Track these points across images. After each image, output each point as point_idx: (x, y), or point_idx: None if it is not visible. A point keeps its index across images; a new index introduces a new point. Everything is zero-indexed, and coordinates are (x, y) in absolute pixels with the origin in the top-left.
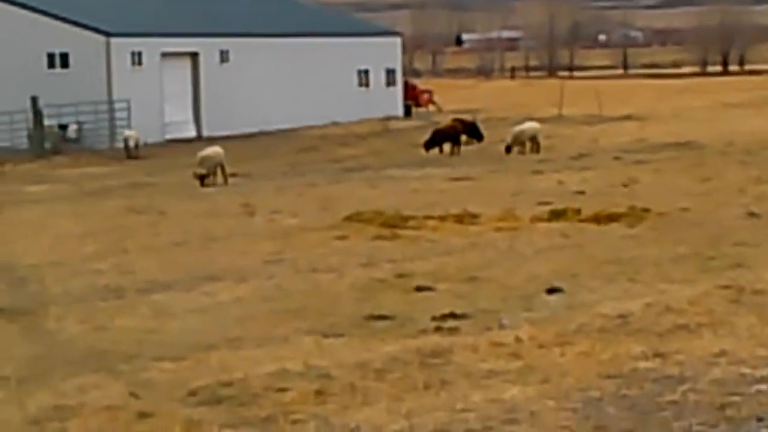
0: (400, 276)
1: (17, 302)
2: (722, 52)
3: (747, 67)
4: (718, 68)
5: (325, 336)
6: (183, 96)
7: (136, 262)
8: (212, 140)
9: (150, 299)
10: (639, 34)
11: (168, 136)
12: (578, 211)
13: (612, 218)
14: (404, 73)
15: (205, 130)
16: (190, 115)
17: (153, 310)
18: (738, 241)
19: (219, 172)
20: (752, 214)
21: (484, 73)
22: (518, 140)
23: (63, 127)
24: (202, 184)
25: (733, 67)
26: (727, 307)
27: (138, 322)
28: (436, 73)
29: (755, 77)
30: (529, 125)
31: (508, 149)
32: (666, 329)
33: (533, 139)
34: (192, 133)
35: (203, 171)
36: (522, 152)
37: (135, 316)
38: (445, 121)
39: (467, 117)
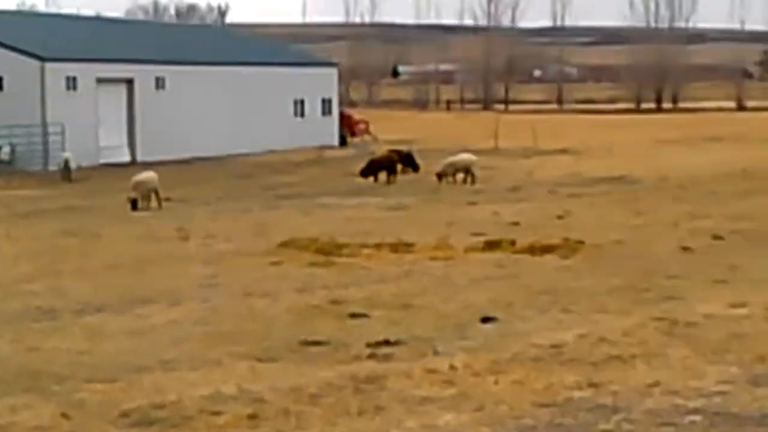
0: (335, 302)
1: None
2: (656, 90)
3: (680, 105)
4: (652, 105)
5: (259, 360)
6: (118, 121)
7: (70, 285)
8: (147, 165)
9: (83, 321)
10: (574, 70)
11: (102, 161)
12: (513, 242)
13: (546, 249)
14: (340, 103)
15: (140, 154)
16: (125, 139)
17: (86, 332)
18: (671, 274)
19: (153, 196)
20: (685, 248)
21: (419, 104)
22: (449, 171)
23: None
24: (134, 209)
25: (666, 105)
26: (661, 338)
27: (71, 343)
28: (372, 103)
29: (688, 115)
30: (463, 157)
31: (439, 177)
32: (600, 359)
33: (467, 170)
34: (126, 157)
35: (134, 195)
36: (453, 182)
37: (68, 338)
38: (380, 151)
39: (403, 148)
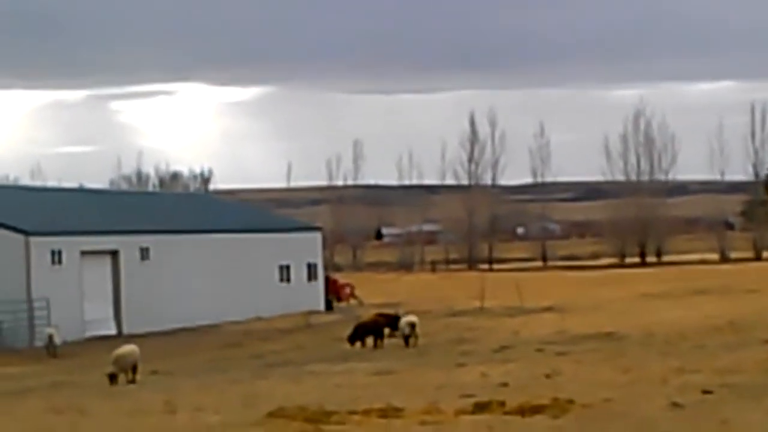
0: None
1: None
2: (639, 244)
3: (664, 258)
4: (636, 259)
5: None
6: (103, 293)
7: None
8: (133, 337)
9: None
10: (557, 227)
11: (88, 334)
12: (502, 404)
13: (536, 410)
14: (325, 268)
15: (126, 327)
16: (110, 312)
17: None
18: None
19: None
20: (675, 405)
21: (404, 266)
22: (405, 330)
23: None
24: (111, 383)
25: (650, 259)
26: None
27: None
28: (357, 267)
29: (672, 268)
30: (407, 318)
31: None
32: None
33: (412, 328)
34: (112, 330)
35: (113, 370)
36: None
37: None
38: (367, 314)
39: (390, 310)
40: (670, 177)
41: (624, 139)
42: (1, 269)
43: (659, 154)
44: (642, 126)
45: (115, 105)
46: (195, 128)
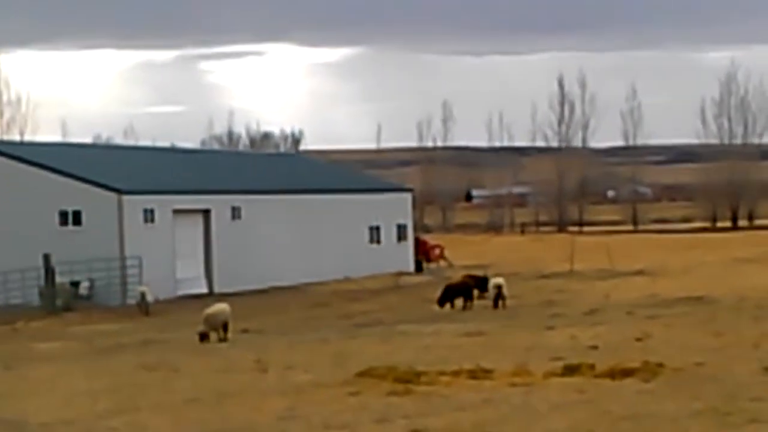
0: None
1: None
2: (731, 208)
3: (756, 222)
4: (728, 223)
5: None
6: (195, 252)
7: (149, 420)
8: (224, 296)
9: None
10: (648, 190)
11: (180, 293)
12: (592, 366)
13: (626, 373)
14: (415, 229)
15: (217, 286)
16: (201, 271)
17: None
18: (754, 396)
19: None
20: None
21: (494, 228)
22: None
23: (75, 284)
24: (201, 341)
25: (742, 222)
26: None
27: None
28: (446, 228)
29: (764, 232)
30: (494, 280)
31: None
32: None
33: (499, 290)
34: (204, 289)
35: (204, 329)
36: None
37: None
38: (456, 276)
39: (479, 272)
40: (764, 140)
41: (718, 102)
42: (95, 228)
43: (754, 117)
44: (735, 89)
45: (204, 65)
46: (285, 89)
